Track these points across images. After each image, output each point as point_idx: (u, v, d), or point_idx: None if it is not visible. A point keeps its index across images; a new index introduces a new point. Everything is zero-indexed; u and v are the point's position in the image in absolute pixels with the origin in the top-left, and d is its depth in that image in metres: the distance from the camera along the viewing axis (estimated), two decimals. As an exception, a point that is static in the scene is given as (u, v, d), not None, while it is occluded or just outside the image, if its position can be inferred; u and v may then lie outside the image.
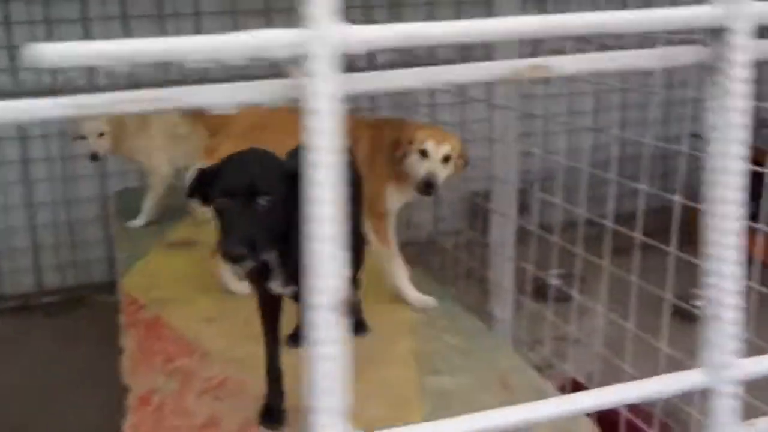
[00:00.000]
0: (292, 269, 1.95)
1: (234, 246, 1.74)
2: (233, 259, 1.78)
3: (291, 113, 3.37)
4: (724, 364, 0.55)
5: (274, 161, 1.89)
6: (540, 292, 2.99)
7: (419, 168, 2.74)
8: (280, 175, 1.81)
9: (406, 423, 0.59)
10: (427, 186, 2.72)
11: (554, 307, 2.81)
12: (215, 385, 2.33)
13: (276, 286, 2.01)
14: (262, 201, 1.77)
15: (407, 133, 2.78)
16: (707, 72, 0.51)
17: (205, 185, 1.83)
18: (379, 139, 2.86)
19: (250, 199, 1.76)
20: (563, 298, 2.81)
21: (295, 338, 2.58)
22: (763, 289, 1.93)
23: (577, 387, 2.66)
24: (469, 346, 2.64)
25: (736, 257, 0.54)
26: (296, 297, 2.08)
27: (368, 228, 2.90)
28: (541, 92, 4.24)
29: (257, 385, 2.19)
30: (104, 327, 3.10)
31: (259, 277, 2.02)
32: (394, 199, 2.90)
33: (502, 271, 3.12)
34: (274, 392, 2.13)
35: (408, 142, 2.76)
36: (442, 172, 2.75)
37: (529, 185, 2.85)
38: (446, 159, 2.75)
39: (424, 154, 2.74)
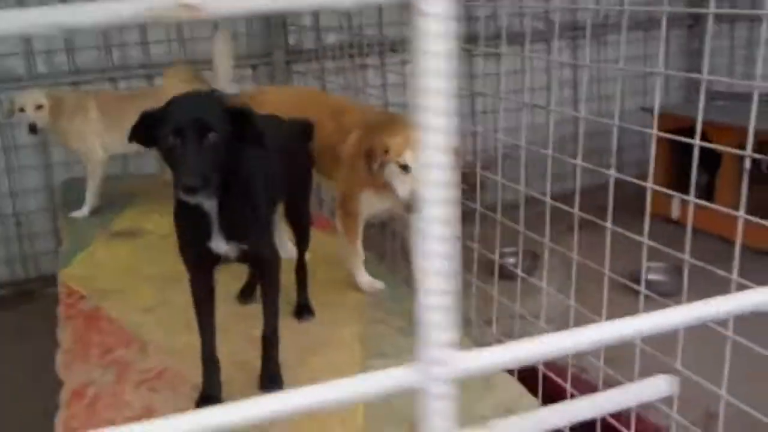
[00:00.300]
0: (233, 222, 1.95)
1: (190, 178, 1.72)
2: (190, 190, 1.74)
3: (320, 94, 3.27)
4: (434, 360, 0.49)
5: (220, 100, 1.90)
6: (491, 271, 2.94)
7: (400, 185, 2.45)
8: (227, 114, 1.82)
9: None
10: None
11: (507, 285, 2.78)
12: (152, 376, 2.28)
13: (217, 244, 1.98)
14: (212, 136, 1.76)
15: (380, 141, 2.49)
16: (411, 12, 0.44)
17: (149, 128, 1.81)
18: (367, 140, 2.62)
19: (201, 134, 1.75)
20: (513, 277, 2.77)
21: (246, 294, 2.65)
22: (698, 263, 1.91)
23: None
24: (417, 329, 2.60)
25: (443, 232, 0.47)
26: (240, 258, 2.07)
27: (337, 220, 2.84)
28: (494, 70, 4.22)
29: (195, 375, 2.14)
30: (54, 320, 3.02)
31: (196, 237, 1.99)
32: (371, 204, 2.71)
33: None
34: (211, 381, 2.08)
35: (383, 150, 2.46)
36: None
37: (473, 165, 2.79)
38: None
39: (404, 168, 2.43)
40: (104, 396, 2.18)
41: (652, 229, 2.03)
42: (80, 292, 2.89)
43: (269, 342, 2.13)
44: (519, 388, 2.19)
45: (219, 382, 2.09)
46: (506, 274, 2.84)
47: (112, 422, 2.05)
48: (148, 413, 2.10)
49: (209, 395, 2.08)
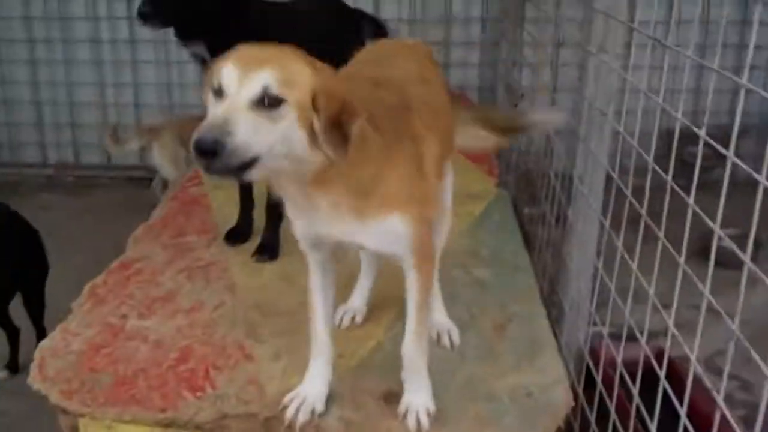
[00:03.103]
0: None
1: (142, 5, 1.97)
2: (141, 17, 1.98)
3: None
4: None
5: None
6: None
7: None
8: None
9: None
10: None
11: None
12: (198, 265, 2.29)
13: None
14: None
15: None
16: None
17: None
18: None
19: None
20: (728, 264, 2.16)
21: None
22: None
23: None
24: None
25: None
26: None
27: None
28: None
29: (237, 274, 2.11)
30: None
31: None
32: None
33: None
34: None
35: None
36: None
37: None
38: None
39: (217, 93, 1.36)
40: (145, 272, 2.23)
41: None
42: (201, 178, 2.99)
43: None
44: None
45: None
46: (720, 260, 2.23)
47: (132, 296, 2.10)
48: (171, 297, 2.11)
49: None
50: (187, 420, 1.62)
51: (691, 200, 1.74)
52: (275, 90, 1.23)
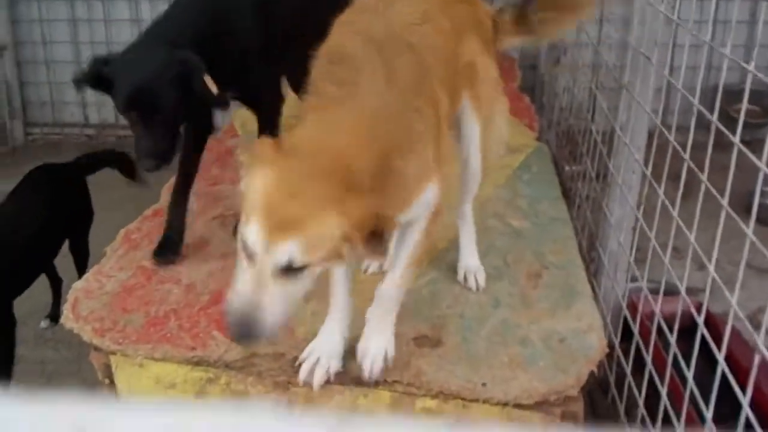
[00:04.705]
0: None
1: (147, 164, 1.81)
2: (151, 169, 1.83)
3: None
4: None
5: (167, 62, 1.82)
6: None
7: None
8: (172, 77, 1.78)
9: None
10: None
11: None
12: (225, 214, 2.27)
13: None
14: (161, 112, 1.78)
15: None
16: None
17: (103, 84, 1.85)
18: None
19: (148, 113, 1.78)
20: None
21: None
22: None
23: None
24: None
25: None
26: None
27: None
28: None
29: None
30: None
31: None
32: None
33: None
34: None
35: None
36: None
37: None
38: None
39: None
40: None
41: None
42: (237, 131, 2.97)
43: None
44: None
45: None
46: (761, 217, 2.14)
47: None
48: (203, 243, 2.11)
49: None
50: (216, 358, 1.62)
51: (736, 138, 1.66)
52: (299, 260, 1.23)
